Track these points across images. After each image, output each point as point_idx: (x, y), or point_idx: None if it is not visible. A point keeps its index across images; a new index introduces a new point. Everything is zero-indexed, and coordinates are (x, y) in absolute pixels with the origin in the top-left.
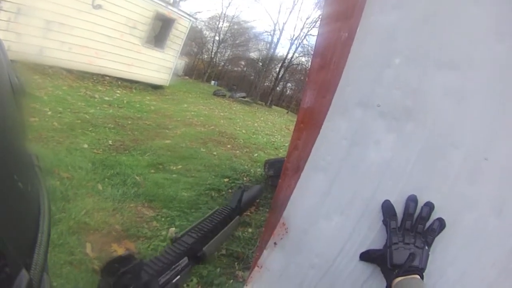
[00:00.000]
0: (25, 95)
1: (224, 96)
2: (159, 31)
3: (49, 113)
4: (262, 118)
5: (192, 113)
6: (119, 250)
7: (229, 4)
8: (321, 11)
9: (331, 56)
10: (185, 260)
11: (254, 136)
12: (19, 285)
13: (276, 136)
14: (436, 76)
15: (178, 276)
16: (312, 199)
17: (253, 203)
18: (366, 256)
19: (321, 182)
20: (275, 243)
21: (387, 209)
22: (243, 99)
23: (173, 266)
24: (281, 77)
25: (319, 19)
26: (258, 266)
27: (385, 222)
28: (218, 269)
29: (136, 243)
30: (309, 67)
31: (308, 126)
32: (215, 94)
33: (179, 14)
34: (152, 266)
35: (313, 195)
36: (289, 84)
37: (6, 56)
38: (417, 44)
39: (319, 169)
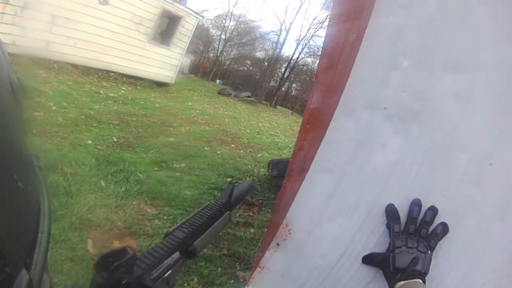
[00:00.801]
0: (25, 95)
1: (229, 95)
2: (165, 28)
3: (54, 108)
4: (266, 118)
5: (197, 111)
6: None
7: (236, 3)
8: (329, 12)
9: (338, 56)
10: (176, 255)
11: (258, 136)
12: (19, 285)
13: (280, 137)
14: (443, 78)
15: (170, 271)
16: (317, 200)
17: (243, 198)
18: (369, 259)
19: (326, 184)
20: (277, 244)
21: (391, 212)
22: (248, 98)
23: (165, 261)
24: (287, 77)
25: (327, 20)
26: (260, 267)
27: (389, 226)
28: (219, 269)
29: (138, 240)
30: (315, 68)
31: (314, 126)
32: (220, 93)
33: (186, 12)
34: (145, 261)
35: (317, 196)
36: (294, 85)
37: (6, 56)
38: (425, 46)
39: (324, 171)
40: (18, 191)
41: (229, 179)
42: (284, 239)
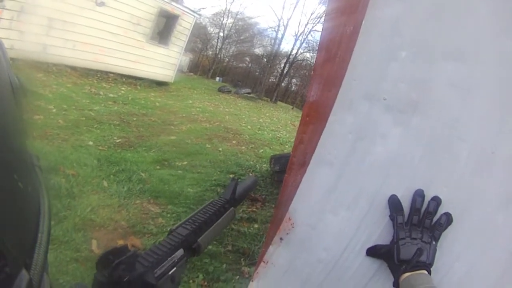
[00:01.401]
0: (25, 95)
1: (229, 92)
2: (163, 27)
3: (54, 110)
4: (267, 114)
5: (197, 109)
6: None
7: (233, 0)
8: (326, 6)
9: (336, 50)
10: (180, 252)
11: (260, 132)
12: (19, 285)
13: (281, 132)
14: (442, 69)
15: (174, 268)
16: (318, 193)
17: (248, 194)
18: (373, 252)
19: (327, 177)
20: (281, 239)
21: (394, 204)
22: (248, 95)
23: (169, 258)
24: (286, 73)
25: (324, 14)
26: (264, 262)
27: (392, 217)
28: (224, 265)
29: (142, 239)
30: (314, 62)
31: (314, 120)
32: (220, 90)
33: (183, 11)
34: (148, 258)
35: (319, 189)
36: (294, 80)
37: (6, 56)
38: (423, 37)
39: (325, 164)
40: (18, 191)
41: (231, 176)
42: (288, 233)
